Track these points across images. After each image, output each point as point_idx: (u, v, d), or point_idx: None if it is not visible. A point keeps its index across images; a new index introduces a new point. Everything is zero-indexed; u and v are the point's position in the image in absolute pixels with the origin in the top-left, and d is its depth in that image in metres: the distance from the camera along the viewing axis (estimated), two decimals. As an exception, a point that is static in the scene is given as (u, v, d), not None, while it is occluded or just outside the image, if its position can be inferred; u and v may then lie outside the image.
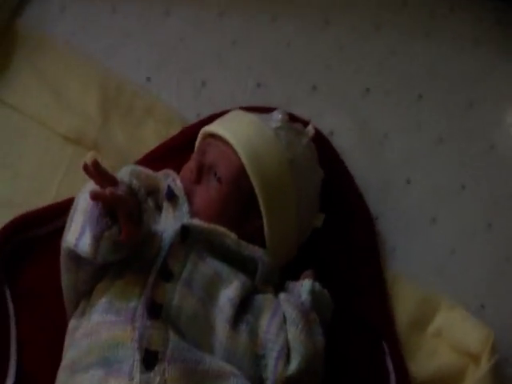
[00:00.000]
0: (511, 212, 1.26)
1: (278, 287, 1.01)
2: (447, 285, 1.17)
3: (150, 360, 0.81)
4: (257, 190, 0.98)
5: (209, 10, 1.34)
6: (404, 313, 1.12)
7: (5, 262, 1.02)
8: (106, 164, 1.09)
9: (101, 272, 0.90)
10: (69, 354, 0.87)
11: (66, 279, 0.92)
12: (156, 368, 0.80)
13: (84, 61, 1.22)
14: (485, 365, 1.06)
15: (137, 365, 0.80)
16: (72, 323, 0.92)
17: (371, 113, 1.30)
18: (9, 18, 1.24)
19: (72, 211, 0.89)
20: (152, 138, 1.16)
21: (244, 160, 0.98)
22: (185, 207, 0.97)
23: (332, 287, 1.01)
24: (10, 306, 1.00)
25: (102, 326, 0.85)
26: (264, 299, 0.95)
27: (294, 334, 0.92)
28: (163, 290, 0.87)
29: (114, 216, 0.83)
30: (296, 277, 1.03)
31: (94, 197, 0.82)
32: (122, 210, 0.82)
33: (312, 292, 0.97)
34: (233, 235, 0.95)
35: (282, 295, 0.97)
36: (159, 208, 1.00)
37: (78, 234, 0.84)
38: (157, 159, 1.12)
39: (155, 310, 0.85)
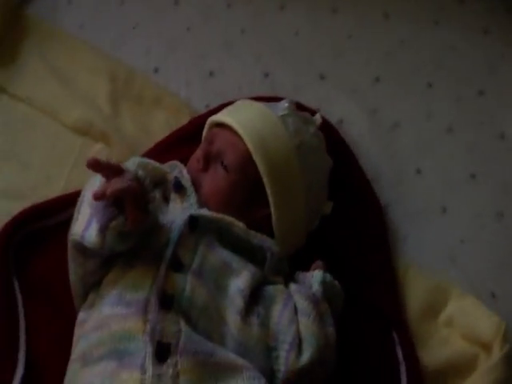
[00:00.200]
0: None
1: (288, 277, 1.00)
2: (458, 273, 1.15)
3: (162, 352, 0.80)
4: (264, 178, 0.97)
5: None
6: (415, 301, 1.11)
7: (14, 253, 1.01)
8: (115, 154, 1.11)
9: (108, 263, 0.89)
10: (79, 346, 0.86)
11: (73, 271, 0.91)
12: (168, 360, 0.79)
13: (93, 52, 1.22)
14: (496, 353, 1.04)
15: (149, 357, 0.79)
16: (81, 315, 0.91)
17: (381, 102, 1.28)
18: (17, 9, 1.24)
19: (79, 203, 0.88)
20: (161, 128, 1.16)
21: (250, 147, 0.97)
22: (192, 198, 0.96)
23: (342, 276, 1.00)
24: (19, 297, 0.99)
25: (113, 318, 0.84)
26: (275, 290, 0.94)
27: (306, 324, 0.91)
28: (174, 281, 0.86)
29: (120, 205, 0.82)
30: (306, 266, 1.01)
31: (96, 197, 0.81)
32: (128, 196, 0.81)
33: (323, 283, 0.96)
34: (241, 224, 0.94)
35: (292, 286, 0.96)
36: (167, 200, 0.98)
37: (85, 226, 0.84)
38: (165, 149, 1.12)
39: (167, 302, 0.84)
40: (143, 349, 0.80)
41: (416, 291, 1.12)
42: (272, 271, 0.96)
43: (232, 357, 0.84)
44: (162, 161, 1.04)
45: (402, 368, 1.04)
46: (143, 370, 0.79)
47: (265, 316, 0.91)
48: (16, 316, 0.98)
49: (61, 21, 1.25)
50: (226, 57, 1.27)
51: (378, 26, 1.36)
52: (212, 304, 0.88)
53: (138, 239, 0.87)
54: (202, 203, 0.96)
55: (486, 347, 1.06)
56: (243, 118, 1.01)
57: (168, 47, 1.26)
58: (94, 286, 0.91)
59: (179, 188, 0.97)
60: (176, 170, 1.00)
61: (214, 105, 1.18)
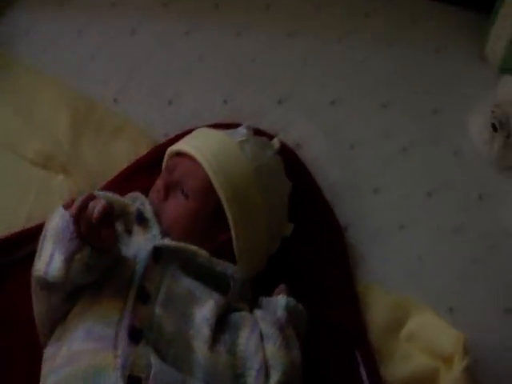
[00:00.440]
0: (476, 216, 1.27)
1: (252, 302, 1.00)
2: (417, 289, 1.16)
3: None
4: (224, 203, 0.98)
5: (175, 28, 1.33)
6: (377, 319, 1.12)
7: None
8: (76, 185, 1.11)
9: (72, 298, 0.89)
10: (49, 383, 0.85)
11: (38, 308, 0.91)
12: None
13: (52, 83, 1.22)
14: (457, 366, 1.05)
15: None
16: (48, 351, 0.90)
17: (338, 123, 1.30)
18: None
19: (42, 239, 0.88)
20: (121, 158, 1.16)
21: (209, 173, 0.98)
22: (155, 229, 0.97)
23: (304, 296, 1.01)
24: None
25: (83, 353, 0.83)
26: (240, 317, 0.95)
27: (272, 351, 0.92)
28: (142, 314, 0.86)
29: (85, 238, 0.82)
30: (268, 290, 1.02)
31: (67, 206, 0.82)
32: (108, 215, 0.82)
33: (287, 308, 0.97)
34: (204, 252, 0.94)
35: (257, 312, 0.97)
36: (129, 232, 0.99)
37: (48, 261, 0.84)
38: (126, 180, 1.12)
39: (136, 335, 0.84)
40: (114, 383, 0.80)
41: (377, 308, 1.13)
42: (236, 298, 0.97)
43: None
44: (123, 191, 1.04)
45: (366, 386, 1.05)
46: None
47: (231, 343, 0.91)
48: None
49: (18, 52, 1.24)
50: (184, 84, 1.27)
51: (333, 48, 1.38)
52: (179, 334, 0.88)
53: (101, 272, 0.87)
54: (164, 233, 0.96)
55: (447, 361, 1.08)
56: (202, 146, 1.02)
57: (127, 76, 1.26)
58: (59, 320, 0.91)
59: (142, 220, 0.97)
60: (138, 201, 1.00)
61: (174, 133, 1.18)
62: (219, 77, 1.30)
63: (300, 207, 1.13)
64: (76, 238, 0.82)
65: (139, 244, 0.95)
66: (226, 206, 0.98)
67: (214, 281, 0.95)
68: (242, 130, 1.06)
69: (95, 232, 0.82)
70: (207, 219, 0.99)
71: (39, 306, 0.91)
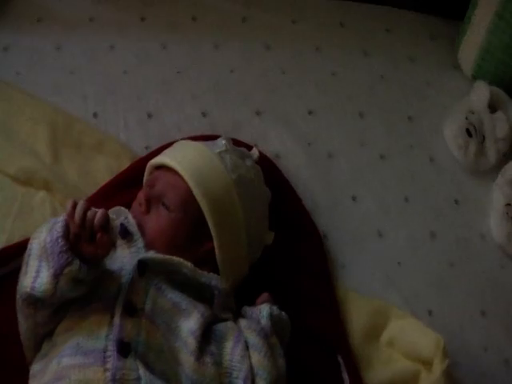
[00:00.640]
0: (452, 220, 1.29)
1: (235, 312, 1.00)
2: (396, 294, 1.18)
3: None
4: (205, 212, 0.98)
5: (152, 42, 1.33)
6: (357, 325, 1.13)
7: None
8: (57, 202, 1.10)
9: (59, 314, 0.88)
10: None
11: (24, 325, 0.90)
12: None
13: (31, 99, 1.20)
14: (437, 369, 1.07)
15: None
16: (35, 367, 0.89)
17: (315, 134, 1.31)
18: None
19: (26, 256, 0.87)
20: (102, 173, 1.15)
21: (190, 183, 0.98)
22: (140, 242, 0.96)
23: (285, 304, 1.01)
24: None
25: (72, 368, 0.83)
26: (225, 327, 0.95)
27: (258, 359, 0.92)
28: (130, 327, 0.86)
29: (75, 250, 0.82)
30: (250, 299, 1.02)
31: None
32: (101, 216, 0.83)
33: (271, 316, 0.97)
34: (189, 264, 0.94)
35: (242, 322, 0.97)
36: (114, 247, 0.96)
37: (34, 277, 0.83)
38: (108, 195, 1.11)
39: (124, 349, 0.84)
40: None
41: (357, 315, 1.14)
42: (221, 308, 0.97)
43: None
44: (106, 206, 0.99)
45: (348, 391, 1.05)
46: None
47: (218, 354, 0.91)
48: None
49: (-4, 70, 1.22)
50: (163, 98, 1.27)
51: (310, 59, 1.39)
52: (166, 346, 0.88)
53: (89, 287, 0.86)
54: (149, 246, 0.96)
55: (427, 363, 1.09)
56: (181, 158, 1.02)
57: (105, 91, 1.25)
58: (45, 337, 0.90)
59: (126, 234, 0.97)
60: (121, 215, 1.00)
61: (153, 146, 1.18)
62: (197, 89, 1.30)
63: (279, 216, 1.13)
64: (66, 252, 0.82)
65: (124, 258, 0.95)
66: (207, 215, 0.98)
67: (198, 292, 0.96)
68: (220, 142, 1.07)
69: (89, 240, 0.83)
70: (189, 230, 0.99)
71: (25, 323, 0.90)
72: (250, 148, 1.14)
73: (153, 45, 1.32)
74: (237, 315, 1.00)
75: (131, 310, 0.88)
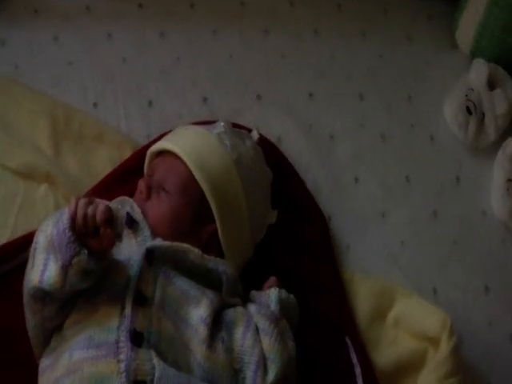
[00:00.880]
0: (454, 198, 1.26)
1: (243, 296, 0.97)
2: (401, 274, 1.15)
3: None
4: (207, 194, 0.95)
5: (150, 29, 1.28)
6: (363, 306, 1.10)
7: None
8: (60, 194, 1.06)
9: (67, 307, 0.85)
10: None
11: (32, 321, 0.86)
12: None
13: (30, 92, 1.16)
14: (445, 347, 1.03)
15: None
16: (44, 362, 0.86)
17: (316, 117, 1.27)
18: None
19: (32, 251, 0.84)
20: (104, 164, 1.11)
21: (190, 165, 0.95)
22: (146, 231, 0.93)
23: (291, 287, 0.98)
24: None
25: (85, 362, 0.80)
26: (235, 313, 0.92)
27: (269, 344, 0.89)
28: (141, 316, 0.83)
29: (83, 241, 0.79)
30: (256, 283, 0.99)
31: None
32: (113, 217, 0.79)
33: (280, 300, 0.95)
34: (197, 250, 0.91)
35: (251, 307, 0.94)
36: (119, 237, 0.92)
37: (41, 271, 0.80)
38: (111, 185, 1.07)
39: (138, 339, 0.81)
40: None
41: (363, 296, 1.11)
42: (229, 294, 0.94)
43: None
44: (109, 197, 0.99)
45: (357, 371, 1.03)
46: None
47: (228, 340, 0.88)
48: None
49: (-6, 64, 1.18)
50: (163, 85, 1.23)
51: (308, 43, 1.34)
52: (177, 335, 0.85)
53: (97, 277, 0.83)
54: (153, 233, 0.93)
55: (434, 342, 1.06)
56: (180, 141, 0.99)
57: (105, 81, 1.20)
58: (54, 331, 0.87)
59: (132, 223, 0.94)
60: (126, 205, 0.97)
61: (155, 134, 1.14)
62: (197, 76, 1.25)
63: (282, 199, 1.10)
64: (74, 242, 0.78)
65: (131, 248, 0.92)
66: (209, 197, 0.95)
67: (206, 278, 0.92)
68: (219, 124, 1.04)
69: (94, 235, 0.79)
70: (191, 214, 0.96)
71: (32, 318, 0.86)
72: (249, 131, 1.10)
73: (151, 33, 1.28)
74: (244, 300, 0.96)
75: (141, 300, 0.85)
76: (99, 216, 0.79)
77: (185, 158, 0.96)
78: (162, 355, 0.81)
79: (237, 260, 0.98)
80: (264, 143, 1.11)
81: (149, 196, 0.96)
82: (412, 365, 1.06)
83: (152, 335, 0.82)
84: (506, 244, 1.24)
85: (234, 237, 0.98)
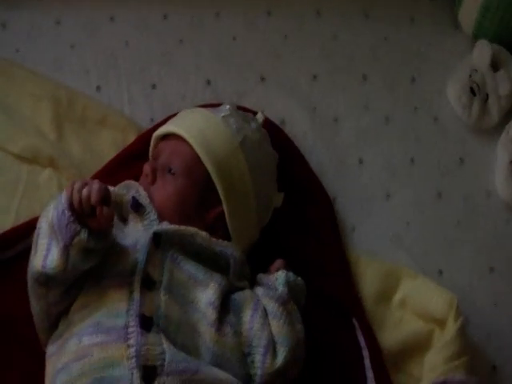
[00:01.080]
0: (458, 179, 1.22)
1: (250, 279, 0.95)
2: (407, 255, 1.12)
3: (148, 375, 0.75)
4: (213, 176, 0.92)
5: (152, 11, 1.24)
6: (369, 287, 1.07)
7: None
8: (64, 178, 1.02)
9: (72, 292, 0.83)
10: (59, 380, 0.79)
11: (36, 306, 0.84)
12: (155, 382, 0.75)
13: (32, 76, 1.12)
14: (451, 327, 1.01)
15: (137, 382, 0.74)
16: (51, 349, 0.83)
17: (320, 98, 1.23)
18: None
19: (36, 236, 0.81)
20: (108, 147, 1.07)
21: (196, 147, 0.92)
22: (152, 214, 0.90)
23: (298, 270, 0.96)
24: None
25: (94, 347, 0.77)
26: (243, 296, 0.90)
27: (277, 326, 0.88)
28: (150, 301, 0.81)
29: (82, 221, 0.77)
30: (262, 265, 0.96)
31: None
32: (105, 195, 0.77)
33: (288, 283, 0.92)
34: (204, 233, 0.88)
35: (259, 290, 0.92)
36: (125, 221, 0.92)
37: (44, 255, 0.78)
38: (116, 169, 1.04)
39: (147, 324, 0.78)
40: (128, 374, 0.75)
41: (369, 278, 1.08)
42: (237, 277, 0.91)
43: (215, 371, 0.80)
44: (114, 181, 0.96)
45: (365, 353, 1.01)
46: None
47: (237, 324, 0.86)
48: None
49: (-4, 48, 1.14)
50: (166, 68, 1.18)
51: (311, 24, 1.30)
52: (184, 318, 0.83)
53: (99, 258, 0.81)
54: (160, 216, 0.90)
55: (440, 323, 1.03)
56: (185, 124, 0.96)
57: (107, 64, 1.16)
58: (59, 317, 0.84)
59: (138, 207, 0.90)
60: (132, 189, 0.93)
61: (158, 118, 1.11)
62: (200, 58, 1.21)
63: (287, 180, 1.07)
64: (73, 222, 0.76)
65: (138, 231, 0.89)
66: (214, 178, 0.92)
67: (213, 261, 0.90)
68: (224, 107, 1.01)
69: (92, 213, 0.77)
70: (197, 196, 0.93)
71: (37, 304, 0.84)
72: (255, 114, 1.07)
73: (153, 15, 1.23)
74: (252, 283, 0.94)
75: (149, 284, 0.82)
76: (94, 196, 0.77)
77: (191, 141, 0.93)
78: (170, 339, 0.79)
79: (243, 243, 0.96)
80: (268, 125, 1.08)
81: (154, 179, 0.93)
82: (418, 346, 1.04)
83: (161, 319, 0.80)
84: (510, 224, 1.20)
85: (240, 219, 0.95)
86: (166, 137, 0.97)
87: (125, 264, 0.84)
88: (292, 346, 0.88)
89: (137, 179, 0.96)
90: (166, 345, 0.78)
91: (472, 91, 1.28)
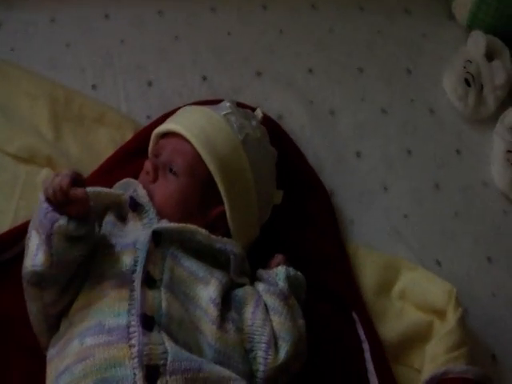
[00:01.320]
0: (455, 170, 1.20)
1: (250, 275, 0.92)
2: (405, 246, 1.10)
3: (151, 375, 0.73)
4: (214, 175, 0.90)
5: (147, 8, 1.22)
6: (369, 280, 1.05)
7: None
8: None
9: (68, 291, 0.80)
10: (62, 382, 0.76)
11: (33, 309, 0.81)
12: (158, 382, 0.73)
13: (28, 75, 1.09)
14: (451, 318, 0.99)
15: (140, 382, 0.72)
16: (52, 351, 0.81)
17: (316, 92, 1.21)
18: None
19: (27, 240, 0.79)
20: (106, 145, 1.05)
21: (198, 147, 0.90)
22: (151, 212, 0.87)
23: (298, 263, 0.93)
24: None
25: (96, 348, 0.75)
26: (244, 293, 0.88)
27: (279, 322, 0.85)
28: (151, 299, 0.78)
29: (60, 209, 0.75)
30: (261, 260, 0.94)
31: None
32: (65, 176, 0.75)
33: (288, 278, 0.90)
34: (203, 231, 0.86)
35: (260, 286, 0.90)
36: (124, 221, 0.89)
37: (34, 255, 0.76)
38: (114, 167, 1.02)
39: (148, 323, 0.76)
40: (130, 374, 0.73)
41: (368, 269, 1.06)
42: (237, 273, 0.89)
43: (218, 369, 0.77)
44: (112, 179, 0.94)
45: (365, 346, 0.98)
46: None
47: (238, 320, 0.84)
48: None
49: (-9, 48, 1.12)
50: (162, 65, 1.16)
51: (306, 17, 1.28)
52: (186, 316, 0.80)
53: (86, 248, 0.78)
54: (160, 214, 0.87)
55: (440, 314, 1.01)
56: (187, 123, 0.93)
57: (103, 62, 1.14)
58: (59, 319, 0.81)
59: (136, 206, 0.88)
60: (130, 188, 0.91)
61: (156, 114, 1.08)
62: (196, 54, 1.19)
63: (286, 175, 1.04)
64: (51, 212, 0.75)
65: (137, 230, 0.86)
66: (217, 178, 0.90)
67: (213, 258, 0.88)
68: (225, 104, 0.98)
69: (69, 201, 0.75)
70: (199, 195, 0.90)
71: (34, 306, 0.81)
72: (253, 110, 1.04)
73: (148, 11, 1.21)
74: (252, 279, 0.92)
75: (150, 282, 0.80)
76: (63, 181, 0.75)
77: (192, 140, 0.90)
78: (172, 337, 0.77)
79: (244, 241, 0.93)
80: (265, 120, 1.05)
81: (156, 177, 0.91)
82: (418, 337, 1.01)
83: (162, 318, 0.78)
84: (507, 214, 1.19)
85: (241, 218, 0.93)
86: (167, 134, 0.95)
87: (124, 263, 0.82)
88: (294, 341, 0.85)
89: (135, 177, 0.94)
90: (168, 344, 0.75)
91: (467, 82, 1.27)
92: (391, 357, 0.99)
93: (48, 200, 0.76)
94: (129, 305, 0.78)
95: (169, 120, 0.97)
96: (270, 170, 1.00)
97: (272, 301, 0.87)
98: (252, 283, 0.91)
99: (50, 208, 0.75)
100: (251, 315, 0.85)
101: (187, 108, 1.01)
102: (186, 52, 1.19)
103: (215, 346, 0.80)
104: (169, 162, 0.91)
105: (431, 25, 1.34)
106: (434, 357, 0.98)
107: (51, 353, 0.81)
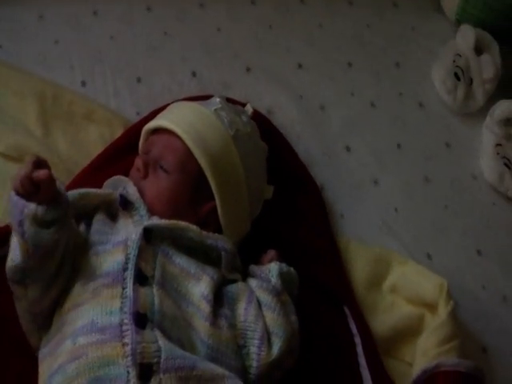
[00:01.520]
0: (444, 163, 1.20)
1: (242, 270, 0.91)
2: (395, 241, 1.09)
3: (145, 373, 0.71)
4: (205, 170, 0.88)
5: (136, 4, 1.19)
6: (360, 274, 1.04)
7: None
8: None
9: (52, 288, 0.78)
10: (54, 382, 0.75)
11: (20, 307, 0.80)
12: (152, 380, 0.71)
13: (16, 72, 1.06)
14: (442, 311, 0.98)
15: (133, 380, 0.70)
16: (44, 351, 0.79)
17: (306, 87, 1.20)
18: None
19: (11, 239, 0.77)
20: (96, 142, 1.02)
21: (188, 143, 0.88)
22: (142, 209, 0.86)
23: (288, 260, 0.92)
24: None
25: (89, 346, 0.73)
26: (236, 289, 0.86)
27: (272, 318, 0.84)
28: (143, 297, 0.77)
29: (28, 196, 0.73)
30: (253, 256, 0.92)
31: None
32: (27, 164, 0.73)
33: (281, 274, 0.89)
34: (195, 227, 0.85)
35: (252, 282, 0.88)
36: (114, 219, 0.87)
37: (13, 252, 0.75)
38: (104, 164, 0.99)
39: (141, 321, 0.75)
40: (124, 373, 0.71)
41: (359, 263, 1.05)
42: (229, 269, 0.87)
43: (212, 367, 0.76)
44: (102, 176, 0.92)
45: (357, 340, 0.97)
46: None
47: (231, 316, 0.83)
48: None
49: (-22, 44, 1.10)
50: (151, 61, 1.14)
51: (295, 12, 1.27)
52: (178, 313, 0.79)
53: (62, 234, 0.75)
54: (150, 211, 0.86)
55: (431, 307, 1.01)
56: (177, 119, 0.92)
57: (92, 58, 1.11)
58: (47, 318, 0.79)
59: (126, 204, 0.86)
60: (120, 185, 0.89)
61: (146, 111, 1.06)
62: (185, 50, 1.17)
63: (276, 171, 1.03)
64: (20, 199, 0.73)
65: (128, 228, 0.84)
66: (208, 173, 0.88)
67: (205, 255, 0.87)
68: (215, 100, 0.96)
69: (34, 188, 0.73)
70: (190, 191, 0.89)
71: (20, 306, 0.80)
72: (243, 105, 1.03)
73: (137, 7, 1.19)
74: (244, 274, 0.90)
75: (142, 279, 0.78)
76: (26, 169, 0.73)
77: (183, 136, 0.89)
78: (165, 335, 0.75)
79: (235, 236, 0.92)
80: (256, 116, 1.03)
81: (146, 174, 0.89)
82: (410, 330, 1.01)
83: (155, 315, 0.76)
84: (496, 207, 1.18)
85: (233, 214, 0.92)
86: (157, 131, 0.93)
87: (116, 261, 0.80)
88: (287, 337, 0.84)
89: (125, 173, 0.92)
90: (161, 341, 0.74)
91: (456, 76, 1.25)
92: (383, 350, 0.98)
93: (17, 193, 0.74)
94: (121, 302, 0.76)
95: (159, 116, 0.96)
96: (260, 165, 0.98)
97: (265, 297, 0.86)
98: (244, 279, 0.90)
99: (17, 197, 0.73)
100: (244, 311, 0.84)
101: (177, 104, 0.99)
102: (175, 48, 1.17)
103: (208, 342, 0.79)
104: (159, 158, 0.89)
105: (420, 18, 1.33)
106: (426, 350, 0.97)
107: (43, 352, 0.79)
